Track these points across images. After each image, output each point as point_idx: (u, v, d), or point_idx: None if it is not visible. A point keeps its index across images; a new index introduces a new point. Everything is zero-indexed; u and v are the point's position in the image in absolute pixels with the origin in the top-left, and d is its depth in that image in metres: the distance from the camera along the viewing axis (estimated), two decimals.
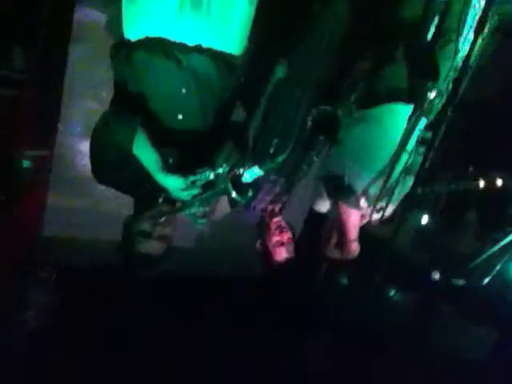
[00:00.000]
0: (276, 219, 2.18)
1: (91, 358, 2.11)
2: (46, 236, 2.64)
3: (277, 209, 2.22)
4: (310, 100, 1.94)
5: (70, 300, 2.38)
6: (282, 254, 2.17)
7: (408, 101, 1.97)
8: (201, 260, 2.97)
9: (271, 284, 2.51)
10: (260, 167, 1.77)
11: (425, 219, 2.79)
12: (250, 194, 1.80)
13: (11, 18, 2.16)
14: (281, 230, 2.17)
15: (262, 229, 2.24)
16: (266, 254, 2.20)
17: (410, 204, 2.14)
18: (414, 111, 1.95)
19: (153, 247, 1.93)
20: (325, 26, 1.90)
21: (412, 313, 2.95)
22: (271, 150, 1.83)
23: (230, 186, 1.75)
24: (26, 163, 2.47)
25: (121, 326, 2.32)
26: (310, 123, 1.81)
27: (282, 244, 2.16)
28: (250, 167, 1.77)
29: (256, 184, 1.85)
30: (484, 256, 2.64)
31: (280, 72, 1.94)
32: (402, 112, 2.00)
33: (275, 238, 2.16)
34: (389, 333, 2.59)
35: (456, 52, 1.99)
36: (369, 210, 2.20)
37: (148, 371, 2.14)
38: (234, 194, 1.76)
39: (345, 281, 2.73)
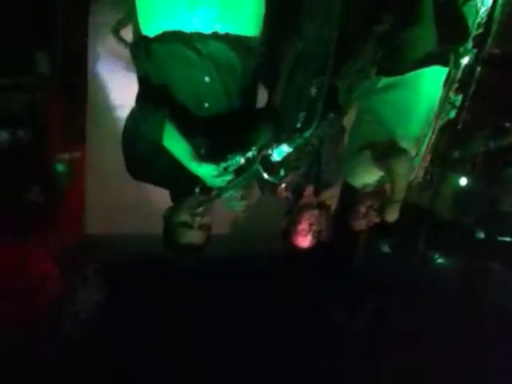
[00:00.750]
0: (310, 211, 2.18)
1: (144, 350, 2.20)
2: (90, 234, 2.72)
3: (314, 202, 2.22)
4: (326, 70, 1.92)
5: (119, 293, 2.46)
6: (306, 240, 2.17)
7: (442, 63, 1.98)
8: (238, 245, 3.02)
9: (312, 260, 2.51)
10: (288, 144, 1.75)
11: (464, 180, 2.72)
12: (282, 173, 1.78)
13: (32, 26, 2.19)
14: (311, 221, 2.17)
15: (291, 211, 2.24)
16: (288, 235, 2.21)
17: (449, 166, 2.10)
18: (449, 73, 1.91)
19: (195, 237, 1.94)
20: None
21: (459, 273, 2.92)
22: (298, 125, 1.80)
23: (260, 168, 1.74)
24: (60, 166, 2.53)
25: (170, 315, 2.40)
26: (312, 93, 1.78)
27: (306, 234, 2.17)
28: (278, 146, 1.75)
29: (286, 163, 1.83)
30: None
31: (296, 47, 1.91)
32: (437, 75, 2.01)
33: (302, 226, 2.16)
34: (439, 294, 2.58)
35: (478, 7, 1.92)
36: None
37: (199, 355, 2.22)
38: (265, 176, 1.75)
39: (386, 248, 2.71)
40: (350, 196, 2.30)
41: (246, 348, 2.29)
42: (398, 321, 2.45)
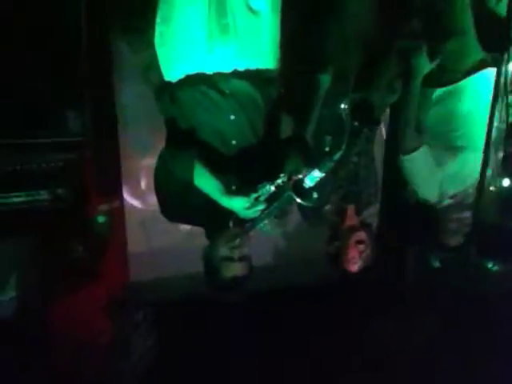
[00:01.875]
0: (357, 234, 2.13)
1: None
2: (135, 281, 2.75)
3: (358, 223, 2.18)
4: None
5: (172, 336, 2.45)
6: (356, 266, 2.11)
7: (490, 65, 1.98)
8: (282, 274, 2.97)
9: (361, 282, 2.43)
10: (320, 169, 1.73)
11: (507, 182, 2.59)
12: (316, 195, 1.76)
13: (62, 87, 2.30)
14: (360, 243, 2.12)
15: (336, 235, 2.19)
16: (339, 260, 2.15)
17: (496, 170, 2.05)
18: (498, 75, 1.89)
19: (238, 269, 1.93)
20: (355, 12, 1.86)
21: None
22: (326, 149, 1.79)
23: (292, 193, 1.73)
24: (100, 218, 2.59)
25: (223, 351, 2.36)
26: (345, 112, 1.77)
27: (357, 259, 2.11)
28: (309, 172, 1.74)
29: (319, 186, 1.81)
30: None
31: (325, 79, 1.93)
32: (487, 76, 1.99)
33: (352, 253, 2.11)
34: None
35: None
36: None
37: None
38: (298, 200, 1.74)
39: (437, 264, 2.59)
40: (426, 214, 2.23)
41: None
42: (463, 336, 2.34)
